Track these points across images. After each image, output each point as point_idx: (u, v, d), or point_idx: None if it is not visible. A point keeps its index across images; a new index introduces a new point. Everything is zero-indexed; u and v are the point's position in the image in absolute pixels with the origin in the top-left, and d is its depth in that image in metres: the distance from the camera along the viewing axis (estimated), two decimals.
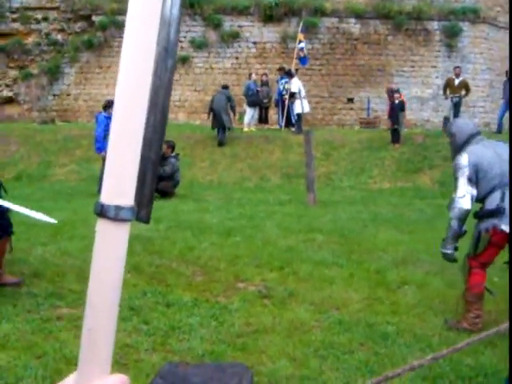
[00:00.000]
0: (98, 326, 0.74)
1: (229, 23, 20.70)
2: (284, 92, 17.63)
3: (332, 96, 20.67)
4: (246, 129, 17.75)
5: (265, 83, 18.18)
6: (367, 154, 15.75)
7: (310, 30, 20.01)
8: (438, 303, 5.37)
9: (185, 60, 20.73)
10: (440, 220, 9.86)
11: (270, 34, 20.76)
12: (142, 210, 0.83)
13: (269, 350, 4.13)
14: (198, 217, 9.24)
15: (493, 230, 4.61)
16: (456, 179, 4.79)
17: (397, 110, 16.41)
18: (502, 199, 4.58)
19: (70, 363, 3.60)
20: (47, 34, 21.36)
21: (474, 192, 4.73)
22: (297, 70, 18.77)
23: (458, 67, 18.12)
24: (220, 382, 0.92)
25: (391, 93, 18.04)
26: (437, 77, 20.61)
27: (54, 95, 21.06)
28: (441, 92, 19.06)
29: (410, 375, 3.63)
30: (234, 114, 16.90)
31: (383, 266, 6.49)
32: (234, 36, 20.69)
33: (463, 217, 4.82)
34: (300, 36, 18.38)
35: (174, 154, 12.39)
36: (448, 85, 17.58)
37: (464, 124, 5.05)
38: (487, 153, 4.74)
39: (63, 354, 3.76)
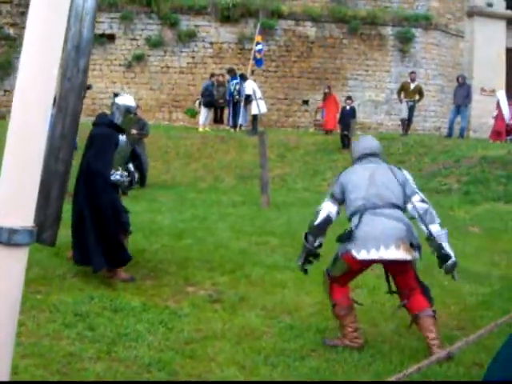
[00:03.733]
0: None
1: (186, 22, 20.50)
2: (235, 93, 17.62)
3: (287, 98, 20.70)
4: (200, 129, 17.64)
5: (221, 84, 18.09)
6: (321, 157, 15.82)
7: (266, 31, 20.00)
8: (389, 307, 5.36)
9: (140, 58, 20.44)
10: None
11: (226, 34, 20.65)
12: (45, 232, 0.74)
13: (218, 358, 4.04)
14: (149, 218, 9.06)
15: (346, 255, 4.40)
16: None
17: (347, 117, 16.51)
18: (357, 225, 4.35)
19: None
20: None
21: (333, 209, 4.64)
22: (253, 71, 18.74)
23: (413, 72, 18.36)
24: None
25: (328, 89, 18.23)
26: (390, 81, 20.88)
27: (5, 91, 20.43)
28: (394, 96, 19.31)
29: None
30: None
31: None
32: (191, 35, 20.50)
33: (312, 231, 4.69)
34: (258, 38, 18.39)
35: None
36: (403, 89, 17.76)
37: (361, 142, 4.94)
38: (360, 174, 4.57)
39: None
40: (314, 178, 14.94)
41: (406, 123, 17.76)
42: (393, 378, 1.80)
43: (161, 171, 14.72)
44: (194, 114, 18.40)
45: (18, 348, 3.91)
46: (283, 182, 14.59)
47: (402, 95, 17.71)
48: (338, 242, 4.49)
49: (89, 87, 9.34)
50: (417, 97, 17.65)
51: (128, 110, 5.91)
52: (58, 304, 4.83)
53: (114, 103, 5.97)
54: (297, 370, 3.94)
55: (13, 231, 0.63)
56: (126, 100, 6.00)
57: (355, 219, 4.42)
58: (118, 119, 5.87)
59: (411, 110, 17.62)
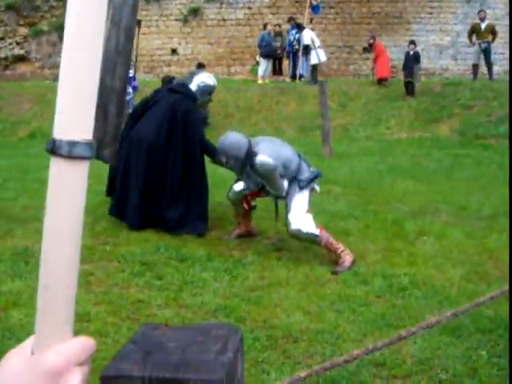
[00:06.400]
0: (56, 282, 0.64)
1: None
2: (294, 43, 17.30)
3: (347, 46, 20.20)
4: (260, 81, 17.49)
5: (278, 34, 17.81)
6: (384, 104, 15.45)
7: None
8: (457, 253, 5.26)
9: (196, 12, 20.32)
10: (459, 170, 9.67)
11: None
12: (104, 149, 0.73)
13: (283, 304, 4.07)
14: (211, 171, 9.11)
15: None
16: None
17: (411, 62, 15.93)
18: None
19: (81, 320, 3.55)
20: None
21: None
22: (311, 19, 18.33)
23: (482, 11, 17.25)
24: (200, 347, 0.84)
25: (372, 39, 17.42)
26: (455, 23, 20.00)
27: None
28: (460, 39, 18.49)
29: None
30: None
31: (400, 216, 6.37)
32: None
33: None
34: None
35: None
36: (474, 30, 16.73)
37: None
38: None
39: (76, 311, 3.68)
40: (377, 126, 14.65)
41: (487, 67, 16.73)
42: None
43: (222, 125, 14.75)
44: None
45: (89, 296, 4.05)
46: (345, 132, 14.39)
47: (474, 37, 16.61)
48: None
49: (139, 22, 9.39)
50: (490, 37, 16.66)
51: (208, 91, 5.97)
52: (125, 254, 4.95)
53: (194, 77, 5.98)
54: (362, 316, 3.92)
55: (73, 143, 0.61)
56: (207, 79, 6.02)
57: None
58: (195, 94, 5.91)
59: (487, 52, 16.47)
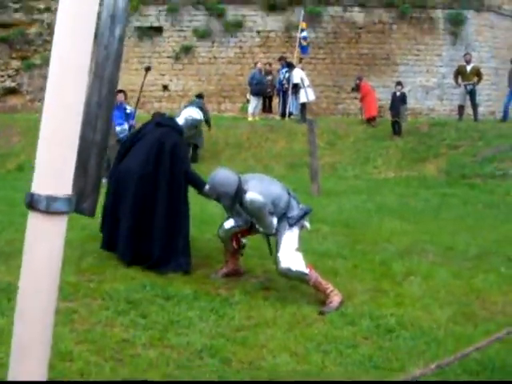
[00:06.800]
0: (29, 337, 0.63)
1: (232, 12, 20.52)
2: (284, 82, 17.53)
3: (336, 85, 20.48)
4: (250, 118, 17.64)
5: (268, 72, 18.04)
6: (371, 144, 15.60)
7: (313, 18, 19.82)
8: (444, 294, 5.25)
9: (188, 49, 20.58)
10: (446, 210, 9.72)
11: (273, 23, 20.57)
12: (84, 202, 0.72)
13: (270, 345, 4.02)
14: (200, 208, 9.10)
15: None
16: None
17: (398, 103, 16.18)
18: None
19: (63, 359, 3.48)
20: (49, 24, 21.25)
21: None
22: (301, 59, 18.60)
23: (468, 54, 17.68)
24: None
25: (358, 80, 17.71)
26: (441, 65, 20.40)
27: None
28: (446, 80, 18.79)
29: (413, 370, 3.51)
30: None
31: (388, 256, 6.37)
32: (238, 25, 20.51)
33: None
34: (302, 24, 18.22)
35: None
36: (460, 72, 17.11)
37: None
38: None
39: (58, 349, 3.63)
40: (364, 165, 14.76)
41: (472, 108, 17.05)
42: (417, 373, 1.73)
43: (211, 161, 14.80)
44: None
45: (72, 334, 3.99)
46: (334, 170, 14.47)
47: (460, 79, 16.96)
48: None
49: (148, 69, 9.53)
50: (475, 79, 17.00)
51: (194, 125, 6.10)
52: (110, 292, 4.89)
53: (183, 112, 6.11)
54: (349, 357, 3.88)
55: (51, 199, 0.61)
56: (195, 114, 6.15)
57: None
58: (183, 127, 6.00)
59: (472, 94, 16.83)
